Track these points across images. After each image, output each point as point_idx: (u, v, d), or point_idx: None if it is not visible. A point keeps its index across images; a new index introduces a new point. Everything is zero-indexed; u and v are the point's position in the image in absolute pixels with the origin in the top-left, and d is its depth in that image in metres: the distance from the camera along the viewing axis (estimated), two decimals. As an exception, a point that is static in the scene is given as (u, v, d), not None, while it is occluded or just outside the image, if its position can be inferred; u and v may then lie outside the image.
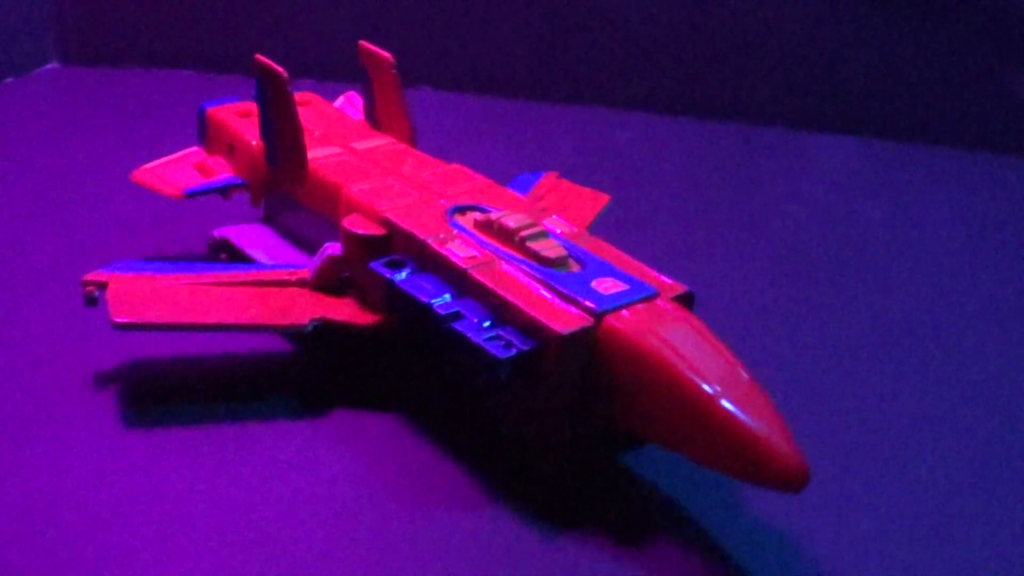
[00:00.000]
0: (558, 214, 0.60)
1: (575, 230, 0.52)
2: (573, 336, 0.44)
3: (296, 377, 0.53)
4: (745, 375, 0.43)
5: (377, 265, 0.50)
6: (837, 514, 0.46)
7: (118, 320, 0.48)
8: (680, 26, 0.94)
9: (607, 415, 0.45)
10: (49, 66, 1.02)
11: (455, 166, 0.57)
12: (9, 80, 0.98)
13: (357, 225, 0.51)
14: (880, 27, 0.91)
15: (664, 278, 0.48)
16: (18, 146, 0.82)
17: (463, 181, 0.55)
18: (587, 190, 0.66)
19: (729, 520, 0.45)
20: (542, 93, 0.97)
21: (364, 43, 0.62)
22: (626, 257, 0.50)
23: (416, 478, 0.47)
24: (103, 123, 0.89)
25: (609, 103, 0.96)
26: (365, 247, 0.51)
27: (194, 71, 1.01)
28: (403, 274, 0.49)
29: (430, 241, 0.49)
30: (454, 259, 0.48)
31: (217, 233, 0.60)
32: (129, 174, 0.63)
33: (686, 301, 0.47)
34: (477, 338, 0.44)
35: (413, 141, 0.61)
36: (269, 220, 0.61)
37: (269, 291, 0.52)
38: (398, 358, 0.53)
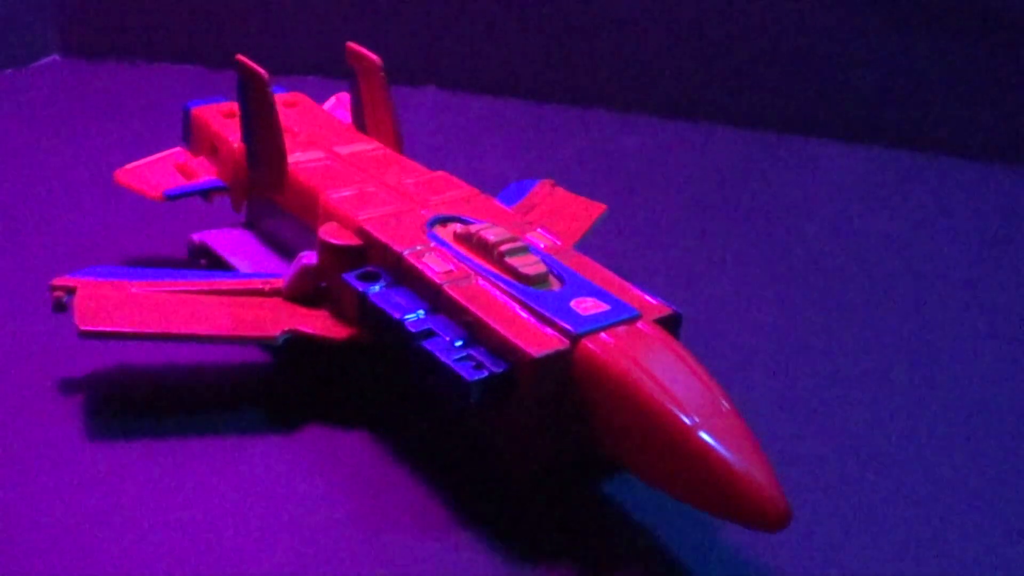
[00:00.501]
0: (550, 225, 0.58)
1: (559, 245, 0.50)
2: (547, 359, 0.42)
3: (268, 390, 0.52)
4: (727, 405, 0.40)
5: (350, 277, 0.48)
6: (823, 556, 0.44)
7: (83, 328, 0.47)
8: (689, 29, 0.92)
9: (582, 441, 0.43)
10: (50, 58, 1.01)
11: (440, 174, 0.55)
12: (8, 72, 0.96)
13: (332, 234, 0.50)
14: (891, 33, 0.88)
15: (649, 298, 0.46)
16: (10, 140, 0.81)
17: (447, 190, 0.54)
18: (582, 199, 0.64)
19: (706, 554, 0.43)
20: (548, 94, 0.95)
21: (352, 44, 0.60)
22: (610, 275, 0.48)
23: (386, 501, 0.45)
24: (102, 118, 0.88)
25: (615, 106, 0.94)
26: (340, 257, 0.49)
27: (198, 66, 0.99)
28: (377, 287, 0.47)
29: (406, 253, 0.47)
30: (429, 273, 0.46)
31: (197, 238, 0.58)
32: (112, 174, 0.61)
33: (672, 323, 0.45)
34: (447, 358, 0.43)
35: (399, 146, 0.59)
36: (251, 225, 0.60)
37: (241, 301, 0.50)
38: (371, 373, 0.51)
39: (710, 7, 0.92)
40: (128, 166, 0.62)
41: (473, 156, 0.84)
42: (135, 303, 0.49)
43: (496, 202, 0.53)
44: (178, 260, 0.61)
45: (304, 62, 0.97)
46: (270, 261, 0.56)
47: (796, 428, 0.51)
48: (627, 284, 0.47)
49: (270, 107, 0.54)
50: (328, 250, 0.49)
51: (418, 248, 0.48)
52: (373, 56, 0.59)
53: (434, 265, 0.46)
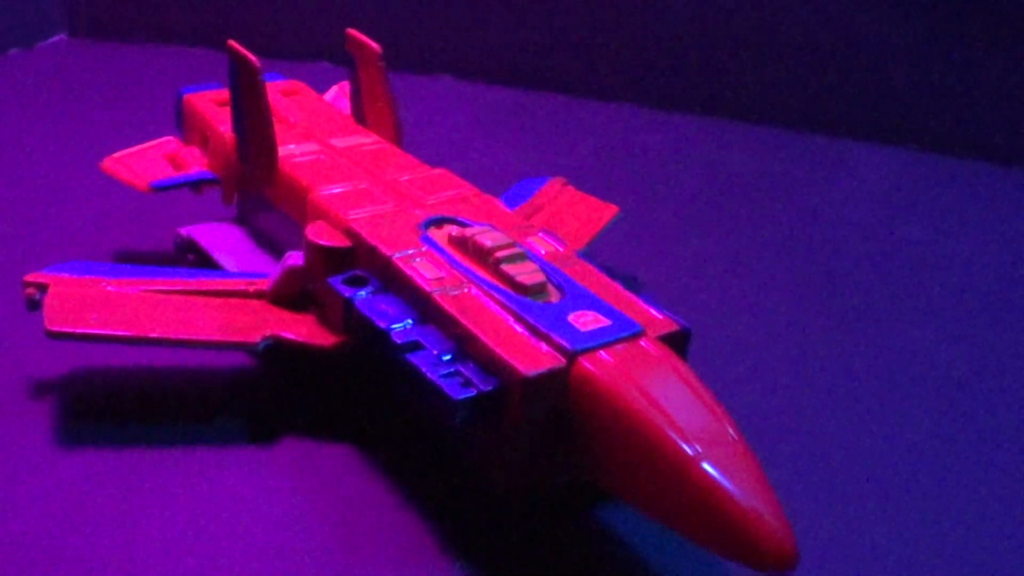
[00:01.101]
0: (557, 227, 0.55)
1: (562, 251, 0.46)
2: (539, 378, 0.38)
3: (247, 398, 0.49)
4: (733, 434, 0.37)
5: (336, 281, 0.45)
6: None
7: (51, 328, 0.44)
8: (716, 21, 0.89)
9: (576, 466, 0.40)
10: (56, 38, 0.99)
11: (440, 171, 0.52)
12: (13, 52, 0.94)
13: (320, 234, 0.47)
14: (927, 30, 0.84)
15: (655, 312, 0.42)
16: (8, 123, 0.79)
17: (446, 188, 0.50)
18: (593, 200, 0.61)
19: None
20: (567, 86, 0.92)
21: (352, 31, 0.57)
22: (614, 286, 0.44)
23: (367, 526, 0.42)
24: (106, 101, 0.86)
25: (638, 100, 0.91)
26: (326, 259, 0.46)
27: (209, 48, 0.96)
28: (363, 293, 0.44)
29: (395, 257, 0.44)
30: (418, 280, 0.43)
31: (184, 232, 0.56)
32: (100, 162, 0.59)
33: (679, 339, 0.42)
34: (432, 374, 0.40)
35: (399, 140, 0.56)
36: (242, 220, 0.57)
37: (223, 303, 0.47)
38: (357, 384, 0.48)
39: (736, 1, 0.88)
40: (116, 154, 0.59)
41: (487, 150, 0.81)
42: (109, 303, 0.46)
43: (498, 203, 0.50)
44: (165, 254, 0.58)
45: (314, 47, 0.94)
46: (259, 259, 0.53)
47: (814, 456, 0.48)
48: (632, 296, 0.44)
49: (261, 97, 0.51)
50: (314, 251, 0.46)
51: (409, 252, 0.45)
52: (372, 44, 0.56)
53: (425, 271, 0.43)
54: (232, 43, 0.52)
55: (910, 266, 0.67)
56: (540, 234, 0.47)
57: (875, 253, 0.69)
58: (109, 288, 0.47)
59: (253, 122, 0.52)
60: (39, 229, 0.62)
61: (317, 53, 0.93)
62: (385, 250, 0.44)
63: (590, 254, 0.54)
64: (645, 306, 0.43)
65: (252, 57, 0.51)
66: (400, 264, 0.44)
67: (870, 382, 0.54)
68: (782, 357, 0.56)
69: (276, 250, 0.54)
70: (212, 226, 0.56)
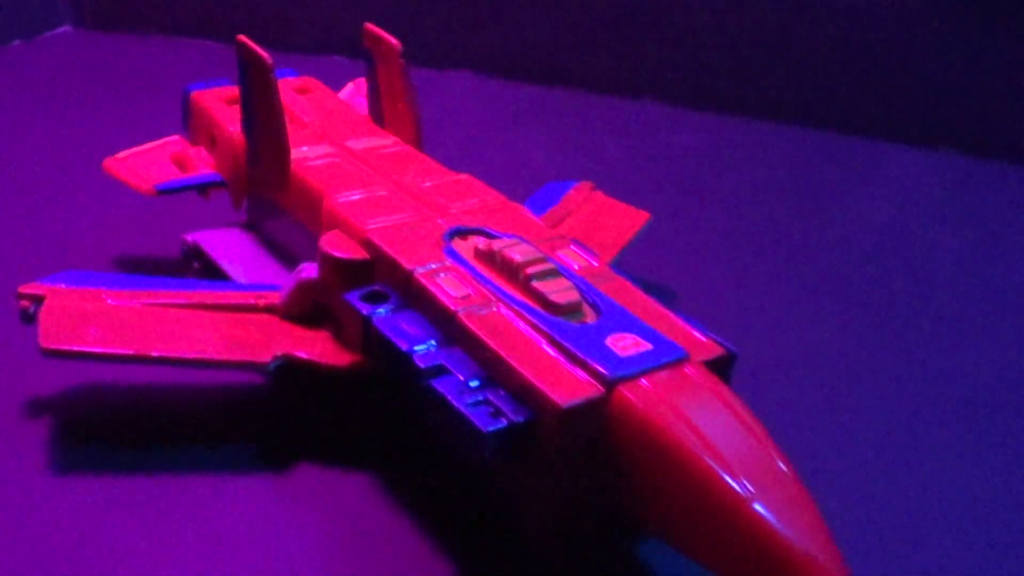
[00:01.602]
0: (585, 236, 0.52)
1: (596, 266, 0.43)
2: (577, 409, 0.35)
3: (257, 420, 0.46)
4: (785, 469, 0.34)
5: (353, 297, 0.42)
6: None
7: (46, 346, 0.41)
8: (749, 18, 0.86)
9: (613, 501, 0.37)
10: (61, 29, 0.96)
11: (463, 177, 0.49)
12: (16, 43, 0.91)
13: (335, 245, 0.43)
14: (966, 29, 0.81)
15: (698, 334, 0.39)
16: (10, 118, 0.75)
17: (470, 196, 0.47)
18: (623, 206, 0.58)
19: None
20: (594, 83, 0.89)
21: (370, 26, 0.54)
22: (654, 304, 0.41)
23: (386, 558, 0.39)
24: (111, 96, 0.84)
25: (667, 99, 0.88)
26: (343, 273, 0.43)
27: (215, 41, 0.94)
28: (382, 310, 0.41)
29: (417, 272, 0.41)
30: (443, 298, 0.40)
31: (190, 238, 0.52)
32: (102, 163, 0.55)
33: (723, 363, 0.39)
34: (460, 403, 0.36)
35: (419, 142, 0.53)
36: (251, 226, 0.53)
37: (231, 318, 0.44)
38: (376, 406, 0.45)
39: None
40: (120, 154, 0.56)
41: (507, 149, 0.78)
42: (109, 317, 0.43)
43: (526, 212, 0.47)
44: (170, 260, 0.55)
45: (327, 40, 0.91)
46: (269, 269, 0.50)
47: (843, 494, 0.45)
48: (673, 316, 0.40)
49: (273, 96, 0.48)
50: (330, 264, 0.43)
51: (432, 266, 0.41)
52: (392, 39, 0.53)
53: (449, 288, 0.40)
54: (242, 38, 0.49)
55: (947, 276, 0.65)
56: (572, 247, 0.44)
57: (912, 262, 0.66)
58: (109, 301, 0.44)
59: (264, 123, 0.49)
60: (37, 232, 0.59)
61: (330, 46, 0.90)
62: (406, 264, 0.41)
63: (619, 263, 0.51)
64: (687, 327, 0.40)
65: (264, 53, 0.48)
66: (423, 280, 0.40)
67: (909, 399, 0.51)
68: (818, 372, 0.53)
69: (288, 259, 0.50)
70: (220, 232, 0.53)
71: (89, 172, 0.65)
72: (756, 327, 0.56)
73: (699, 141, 0.82)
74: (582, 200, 0.57)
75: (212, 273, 0.51)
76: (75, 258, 0.56)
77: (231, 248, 0.51)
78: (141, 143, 0.57)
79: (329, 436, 0.45)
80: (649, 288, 0.42)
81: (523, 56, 0.90)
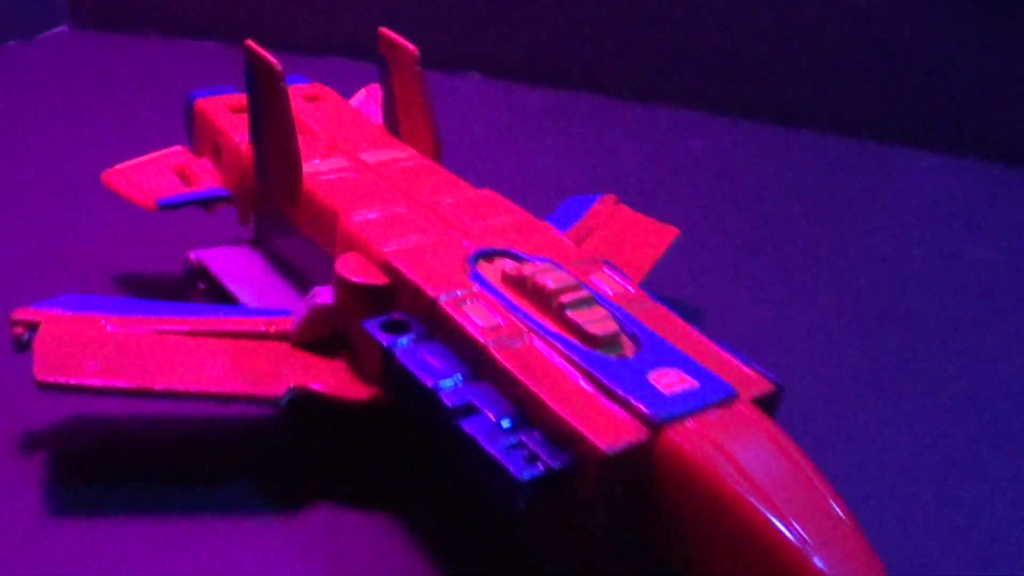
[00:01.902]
0: (613, 254, 0.49)
1: (632, 291, 0.40)
2: (620, 455, 0.32)
3: (268, 457, 0.43)
4: (843, 515, 0.32)
5: (372, 326, 0.39)
6: None
7: (43, 378, 0.38)
8: (766, 20, 0.83)
9: (655, 552, 0.34)
10: (58, 29, 0.93)
11: (485, 192, 0.46)
12: (11, 44, 0.88)
13: (352, 269, 0.40)
14: (991, 31, 0.78)
15: (743, 365, 0.36)
16: (6, 122, 0.72)
17: (494, 214, 0.44)
18: (650, 221, 0.55)
19: None
20: (607, 87, 0.86)
21: (385, 30, 0.51)
22: (694, 333, 0.38)
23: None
24: (112, 99, 0.81)
25: (682, 103, 0.85)
26: (361, 299, 0.40)
27: (216, 42, 0.91)
28: (404, 340, 0.38)
29: (442, 300, 0.38)
30: (471, 329, 0.37)
31: (194, 256, 0.49)
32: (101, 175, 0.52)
33: (772, 400, 0.36)
34: (491, 446, 0.33)
35: (438, 155, 0.50)
36: (259, 243, 0.50)
37: (239, 347, 0.41)
38: (396, 443, 0.42)
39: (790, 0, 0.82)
40: (119, 166, 0.53)
41: (519, 156, 0.76)
42: (109, 347, 0.40)
43: (553, 231, 0.44)
44: (173, 278, 0.52)
45: (334, 41, 0.88)
46: (279, 291, 0.47)
47: (901, 508, 0.42)
48: (716, 347, 0.38)
49: (283, 105, 0.45)
50: (346, 289, 0.40)
51: (458, 293, 0.38)
52: (409, 45, 0.50)
53: (477, 318, 0.37)
54: (250, 43, 0.46)
55: (979, 290, 0.62)
56: (605, 270, 0.41)
57: (939, 275, 0.64)
58: (109, 328, 0.41)
59: (274, 135, 0.46)
60: (32, 248, 0.56)
61: (337, 48, 0.87)
62: (430, 291, 0.38)
63: (644, 281, 0.49)
64: (733, 359, 0.37)
65: (274, 60, 0.45)
66: (448, 308, 0.38)
67: (946, 418, 0.49)
68: (850, 391, 0.51)
69: (298, 279, 0.48)
70: (225, 250, 0.50)
71: (87, 181, 0.61)
72: (783, 345, 0.54)
73: (715, 146, 0.79)
74: (607, 215, 0.54)
75: (217, 294, 0.48)
76: (71, 275, 0.53)
77: (238, 267, 0.49)
78: (142, 148, 0.54)
79: (344, 473, 0.42)
80: (673, 305, 0.40)
81: (534, 58, 0.87)
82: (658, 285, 0.49)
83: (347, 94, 0.60)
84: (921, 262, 0.65)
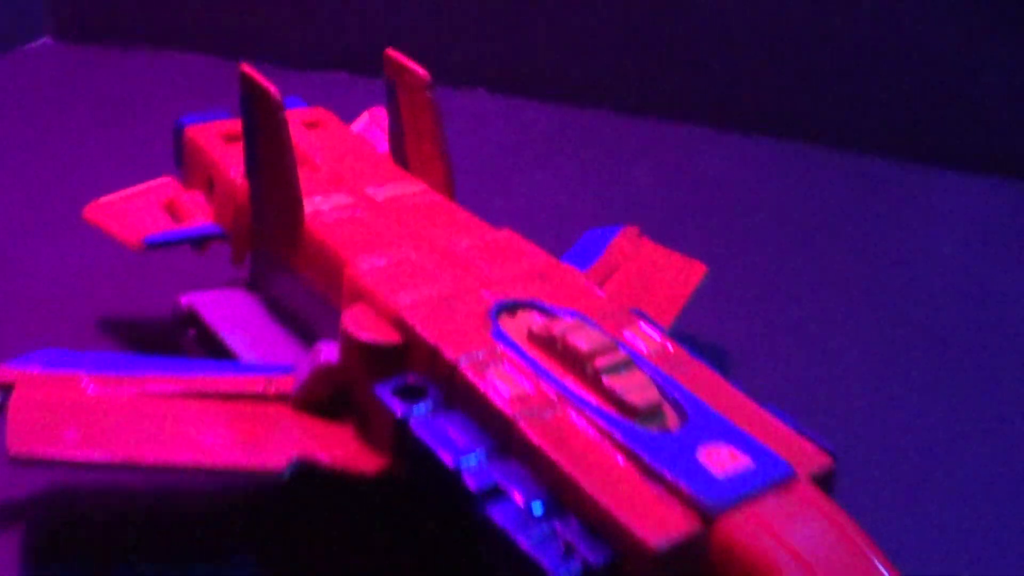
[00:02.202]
0: (639, 295, 0.46)
1: (670, 348, 0.36)
2: (671, 552, 0.28)
3: (270, 533, 0.39)
4: None
5: (385, 392, 0.35)
6: None
7: (16, 451, 0.34)
8: (788, 33, 0.79)
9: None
10: (41, 41, 0.89)
11: (504, 233, 0.42)
12: (-9, 57, 0.84)
13: (361, 325, 0.36)
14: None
15: (797, 435, 0.33)
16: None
17: (515, 258, 0.40)
18: (676, 256, 0.51)
19: None
20: (618, 103, 0.82)
21: (392, 52, 0.47)
22: (741, 398, 0.35)
23: None
24: (97, 116, 0.78)
25: (701, 120, 0.80)
26: (370, 359, 0.36)
27: (208, 55, 0.87)
28: (421, 408, 0.34)
29: (463, 365, 0.34)
30: (496, 399, 0.33)
31: (185, 301, 0.45)
32: (84, 209, 0.49)
33: (829, 476, 0.32)
34: (523, 537, 0.30)
35: (450, 189, 0.46)
36: (255, 285, 0.46)
37: (236, 410, 0.37)
38: (410, 520, 0.38)
39: (811, 9, 0.78)
40: (103, 199, 0.49)
41: (529, 178, 0.72)
42: (91, 414, 0.36)
43: (578, 277, 0.40)
44: (163, 322, 0.48)
45: (333, 54, 0.84)
46: (278, 341, 0.43)
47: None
48: (767, 414, 0.34)
49: (283, 139, 0.41)
50: (354, 347, 0.36)
51: (480, 355, 0.34)
52: (419, 69, 0.46)
53: (503, 385, 0.33)
54: (246, 68, 0.42)
55: (1014, 317, 0.58)
56: (640, 324, 0.37)
57: (977, 305, 0.60)
58: (91, 391, 0.37)
59: (272, 171, 0.42)
60: (6, 289, 0.52)
61: (336, 62, 0.84)
62: (449, 353, 0.34)
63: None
64: (786, 428, 0.33)
65: (272, 88, 0.41)
66: (470, 374, 0.34)
67: (983, 472, 0.45)
68: (890, 448, 0.47)
69: (299, 326, 0.44)
70: (219, 294, 0.46)
71: (68, 213, 0.57)
72: (820, 395, 0.50)
73: (734, 167, 0.75)
74: (630, 251, 0.51)
75: (210, 343, 0.44)
76: (50, 320, 0.49)
77: (232, 314, 0.45)
78: (128, 173, 0.51)
79: (351, 552, 0.38)
80: (702, 351, 0.36)
81: (542, 74, 0.84)
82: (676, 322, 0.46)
83: (348, 112, 0.57)
84: (954, 288, 0.61)
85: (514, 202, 0.67)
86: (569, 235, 0.58)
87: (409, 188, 0.45)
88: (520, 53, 0.84)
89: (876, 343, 0.55)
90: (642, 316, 0.38)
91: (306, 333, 0.43)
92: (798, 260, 0.64)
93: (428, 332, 0.35)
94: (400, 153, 0.48)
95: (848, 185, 0.74)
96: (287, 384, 0.38)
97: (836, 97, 0.78)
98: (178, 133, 0.49)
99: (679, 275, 0.50)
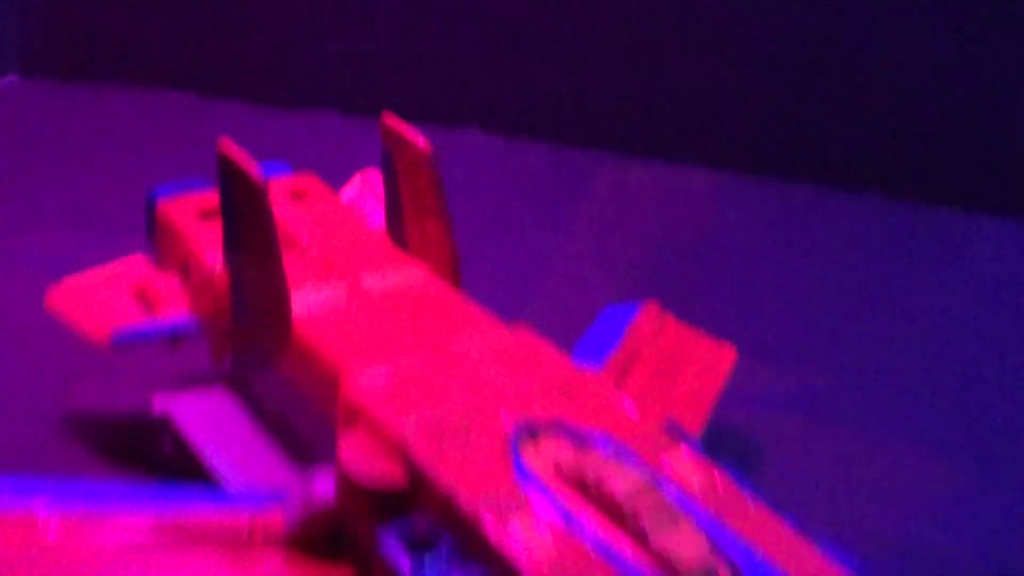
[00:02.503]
0: (663, 389, 0.42)
1: (718, 480, 0.32)
2: None
3: None
4: None
5: (389, 542, 0.30)
6: None
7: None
8: (809, 68, 0.75)
9: None
10: (7, 79, 0.85)
11: (520, 334, 0.37)
12: (-48, 97, 0.80)
13: (360, 461, 0.32)
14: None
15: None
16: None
17: (532, 367, 0.36)
18: (704, 340, 0.47)
19: None
20: (622, 144, 0.78)
21: (389, 118, 0.42)
22: (797, 540, 0.30)
23: None
24: (65, 159, 0.73)
25: (713, 164, 0.76)
26: (372, 503, 0.31)
27: (185, 92, 0.83)
28: (431, 565, 0.29)
29: (482, 514, 0.29)
30: (523, 562, 0.28)
31: (159, 405, 0.41)
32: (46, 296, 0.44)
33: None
34: None
35: (456, 275, 0.41)
36: (237, 384, 0.42)
37: (216, 559, 0.32)
38: None
39: (838, 42, 0.75)
40: (67, 281, 0.44)
41: (525, 227, 0.69)
42: (50, 567, 0.31)
43: (605, 386, 0.35)
44: (136, 423, 0.43)
45: (318, 92, 0.80)
46: (266, 456, 0.39)
47: None
48: (827, 561, 0.29)
49: (266, 228, 0.36)
50: (353, 490, 0.31)
51: (501, 503, 0.30)
52: (420, 140, 0.41)
53: (531, 544, 0.28)
54: (225, 144, 0.37)
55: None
56: (683, 447, 0.33)
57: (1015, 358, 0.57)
58: (50, 537, 0.32)
59: (253, 262, 0.37)
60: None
61: (321, 100, 0.79)
62: (466, 502, 0.30)
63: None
64: (834, 568, 0.28)
65: (255, 173, 0.36)
66: (491, 529, 0.29)
67: None
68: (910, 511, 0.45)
69: (286, 433, 0.39)
70: (197, 397, 0.41)
71: (31, 274, 0.53)
72: (861, 499, 0.46)
73: (754, 214, 0.72)
74: (652, 333, 0.46)
75: (187, 456, 0.39)
76: (9, 414, 0.44)
77: (211, 420, 0.40)
78: (99, 233, 0.46)
79: None
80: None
81: (542, 112, 0.79)
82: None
83: (336, 159, 0.53)
84: (993, 341, 0.59)
85: (514, 264, 0.63)
86: (577, 299, 0.54)
87: (410, 276, 0.40)
88: (518, 91, 0.80)
89: (894, 406, 0.53)
90: (683, 437, 0.33)
91: (295, 441, 0.38)
92: (816, 316, 0.61)
93: (440, 471, 0.31)
94: (398, 230, 0.43)
95: (875, 232, 0.71)
96: (274, 519, 0.33)
97: (862, 137, 0.75)
98: (150, 208, 0.45)
99: (707, 362, 0.46)
